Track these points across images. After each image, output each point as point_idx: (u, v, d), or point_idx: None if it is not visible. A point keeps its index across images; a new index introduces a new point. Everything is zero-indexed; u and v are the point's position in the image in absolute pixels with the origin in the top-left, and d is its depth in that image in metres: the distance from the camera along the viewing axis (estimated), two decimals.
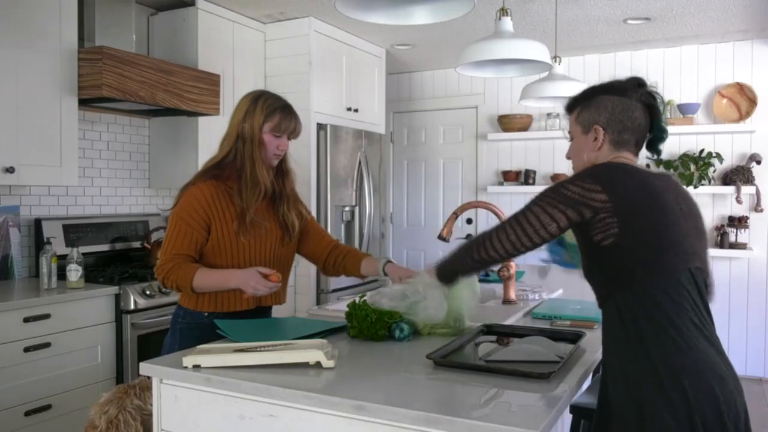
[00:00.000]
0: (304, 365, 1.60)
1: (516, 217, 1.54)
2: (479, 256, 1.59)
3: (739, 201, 4.78)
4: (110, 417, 1.82)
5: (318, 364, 1.59)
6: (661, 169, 5.01)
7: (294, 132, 2.12)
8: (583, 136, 1.63)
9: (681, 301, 1.43)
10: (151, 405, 1.83)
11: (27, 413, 2.70)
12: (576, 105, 1.66)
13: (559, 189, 1.50)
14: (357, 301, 1.93)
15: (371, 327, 1.88)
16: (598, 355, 1.82)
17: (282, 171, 2.17)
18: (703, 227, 1.58)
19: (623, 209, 1.43)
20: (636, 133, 1.60)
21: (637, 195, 1.46)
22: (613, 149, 1.60)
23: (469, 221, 5.87)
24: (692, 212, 1.55)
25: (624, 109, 1.58)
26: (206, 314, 2.03)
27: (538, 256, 1.89)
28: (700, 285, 1.49)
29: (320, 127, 4.34)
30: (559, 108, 5.35)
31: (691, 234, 1.50)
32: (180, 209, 2.00)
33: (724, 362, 1.45)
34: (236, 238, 2.00)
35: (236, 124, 2.08)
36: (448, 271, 1.72)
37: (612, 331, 1.50)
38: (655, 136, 1.64)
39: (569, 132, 1.70)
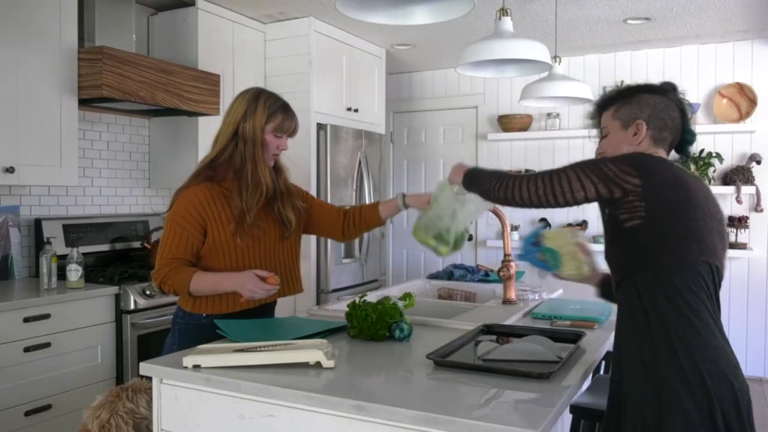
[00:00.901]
0: (304, 365, 1.60)
1: (550, 174, 1.58)
2: (504, 194, 1.65)
3: (739, 201, 4.78)
4: (102, 421, 1.82)
5: (318, 364, 1.59)
6: None
7: (294, 131, 2.13)
8: (622, 131, 1.67)
9: (699, 291, 1.46)
10: (144, 408, 1.83)
11: (27, 413, 2.70)
12: (612, 102, 1.72)
13: (597, 163, 1.55)
14: (357, 301, 1.93)
15: (371, 327, 1.87)
16: (598, 355, 1.82)
17: (276, 168, 2.17)
18: (725, 231, 1.61)
19: (653, 196, 1.48)
20: (673, 132, 1.65)
21: (670, 186, 1.50)
22: (651, 145, 1.64)
23: None
24: (717, 215, 1.59)
25: (665, 108, 1.64)
26: (204, 315, 2.02)
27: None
28: (717, 282, 1.52)
29: (320, 127, 4.34)
30: (560, 108, 5.36)
31: (714, 234, 1.53)
32: (174, 213, 1.98)
33: (734, 356, 1.49)
34: (233, 240, 1.99)
35: (233, 123, 2.05)
36: (473, 184, 1.80)
37: (630, 310, 1.52)
38: (685, 138, 1.69)
39: (603, 128, 1.75)
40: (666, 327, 1.44)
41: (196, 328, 2.02)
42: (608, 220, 1.58)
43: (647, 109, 1.64)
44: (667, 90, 1.67)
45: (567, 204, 1.56)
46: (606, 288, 1.84)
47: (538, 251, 1.87)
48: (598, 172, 1.52)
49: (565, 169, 1.57)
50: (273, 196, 2.12)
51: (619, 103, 1.69)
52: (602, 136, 1.75)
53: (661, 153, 1.65)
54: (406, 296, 1.95)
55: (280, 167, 2.18)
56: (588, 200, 1.55)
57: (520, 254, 1.92)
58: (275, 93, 2.12)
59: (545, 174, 1.59)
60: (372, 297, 2.47)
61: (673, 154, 1.73)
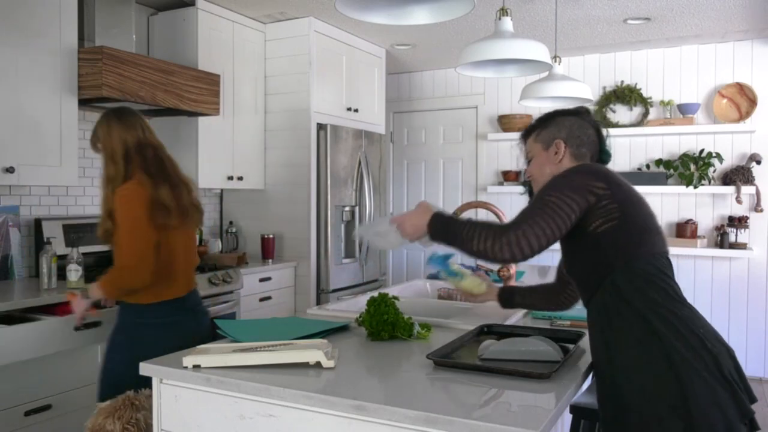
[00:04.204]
0: (304, 365, 1.60)
1: (534, 215, 1.53)
2: (524, 253, 1.52)
3: (739, 201, 4.78)
4: (127, 419, 1.83)
5: (318, 364, 1.59)
6: (661, 169, 5.01)
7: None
8: (544, 152, 1.77)
9: (671, 275, 1.60)
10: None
11: (27, 413, 2.70)
12: (533, 129, 1.83)
13: (560, 181, 1.58)
14: (382, 297, 1.95)
15: (381, 324, 1.89)
16: None
17: None
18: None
19: (619, 197, 1.56)
20: (591, 148, 1.76)
21: (624, 186, 1.60)
22: (572, 161, 1.73)
23: None
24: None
25: (580, 126, 1.76)
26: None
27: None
28: (672, 268, 1.64)
29: (320, 127, 4.34)
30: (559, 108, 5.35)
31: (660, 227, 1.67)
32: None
33: None
34: None
35: None
36: (442, 231, 1.64)
37: (616, 309, 1.54)
38: (600, 158, 1.79)
39: (527, 153, 1.84)
40: (655, 307, 1.51)
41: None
42: (573, 232, 1.57)
43: (564, 129, 1.75)
44: (580, 112, 1.80)
45: (563, 233, 1.54)
46: (507, 296, 2.10)
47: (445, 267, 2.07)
48: (570, 187, 1.55)
49: (544, 204, 1.53)
50: None
51: (539, 128, 1.80)
52: (528, 161, 1.84)
53: None
54: (425, 327, 1.96)
55: None
56: (576, 219, 1.54)
57: (431, 257, 2.06)
58: None
59: (529, 217, 1.53)
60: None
61: None
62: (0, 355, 2.15)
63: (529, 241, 1.51)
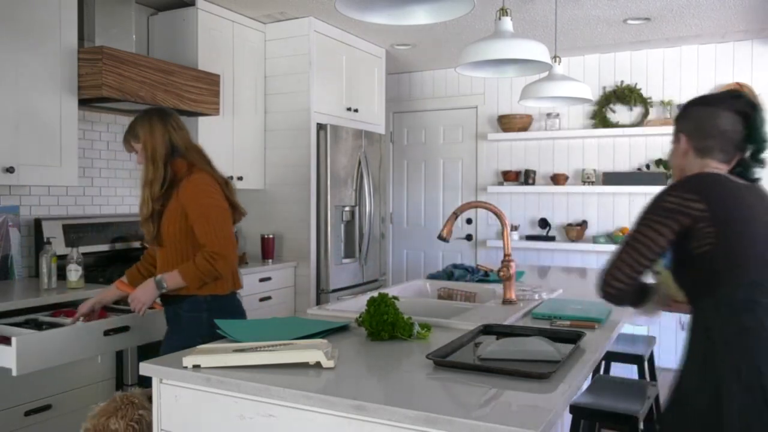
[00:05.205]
0: (304, 365, 1.60)
1: (625, 248, 1.63)
2: (613, 290, 1.65)
3: None
4: (131, 417, 1.84)
5: (318, 364, 1.59)
6: (661, 169, 5.01)
7: (127, 147, 2.38)
8: (674, 145, 1.77)
9: (760, 302, 1.54)
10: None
11: (27, 413, 2.70)
12: (677, 119, 1.80)
13: (656, 203, 1.61)
14: (382, 297, 1.94)
15: (381, 324, 1.88)
16: (598, 355, 1.82)
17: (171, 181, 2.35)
18: None
19: (721, 218, 1.53)
20: (720, 140, 1.66)
21: (731, 205, 1.56)
22: (696, 155, 1.69)
23: (469, 221, 5.87)
24: None
25: (708, 117, 1.67)
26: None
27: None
28: None
29: (320, 127, 4.34)
30: (560, 108, 5.36)
31: None
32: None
33: None
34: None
35: None
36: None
37: (695, 330, 1.61)
38: (757, 146, 1.69)
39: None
40: (725, 345, 1.53)
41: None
42: (675, 249, 1.62)
43: (691, 122, 1.71)
44: (718, 99, 1.70)
45: (657, 257, 1.60)
46: None
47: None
48: (661, 212, 1.58)
49: (630, 238, 1.62)
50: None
51: (678, 118, 1.79)
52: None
53: (712, 163, 1.67)
54: (425, 327, 1.96)
55: (175, 181, 2.31)
56: (671, 242, 1.58)
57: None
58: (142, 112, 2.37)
59: (617, 257, 1.64)
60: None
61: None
62: (31, 361, 2.13)
63: (615, 281, 1.63)
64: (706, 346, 1.56)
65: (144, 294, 2.25)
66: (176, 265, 2.25)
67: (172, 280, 2.22)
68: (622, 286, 1.63)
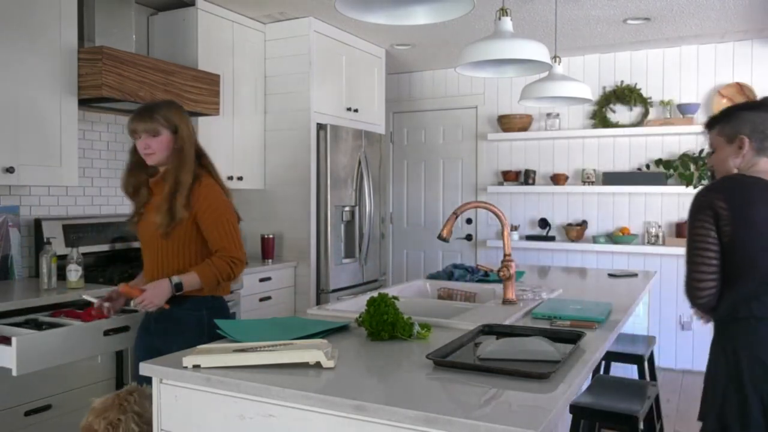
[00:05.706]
0: (304, 365, 1.60)
1: (688, 251, 1.85)
2: (697, 303, 1.86)
3: None
4: (111, 420, 1.83)
5: (318, 364, 1.59)
6: (661, 169, 5.01)
7: (142, 132, 2.22)
8: (728, 146, 1.93)
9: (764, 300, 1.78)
10: (149, 414, 1.84)
11: (27, 413, 2.70)
12: (717, 122, 1.97)
13: (692, 205, 1.85)
14: (382, 297, 1.93)
15: (381, 324, 1.88)
16: (598, 355, 1.82)
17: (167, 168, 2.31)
18: None
19: (737, 219, 1.75)
20: None
21: (749, 205, 1.76)
22: (755, 155, 1.89)
23: (469, 221, 5.87)
24: None
25: (764, 121, 1.88)
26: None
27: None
28: None
29: (320, 127, 4.34)
30: (560, 108, 5.37)
31: None
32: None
33: None
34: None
35: None
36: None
37: (718, 317, 1.88)
38: None
39: (711, 144, 2.00)
40: (732, 336, 1.81)
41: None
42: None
43: (748, 124, 1.88)
44: (765, 104, 1.91)
45: (718, 256, 1.80)
46: None
47: None
48: (696, 211, 1.82)
49: (689, 239, 1.84)
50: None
51: (722, 122, 1.94)
52: (711, 152, 2.01)
53: (765, 163, 1.89)
54: (425, 327, 1.96)
55: (165, 170, 2.29)
56: (718, 238, 1.79)
57: None
58: (152, 101, 2.36)
59: (687, 269, 1.85)
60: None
61: None
62: (31, 361, 2.13)
63: (698, 284, 1.82)
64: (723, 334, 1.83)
65: (158, 295, 2.22)
66: (174, 263, 2.26)
67: (190, 281, 2.20)
68: (706, 287, 1.80)
